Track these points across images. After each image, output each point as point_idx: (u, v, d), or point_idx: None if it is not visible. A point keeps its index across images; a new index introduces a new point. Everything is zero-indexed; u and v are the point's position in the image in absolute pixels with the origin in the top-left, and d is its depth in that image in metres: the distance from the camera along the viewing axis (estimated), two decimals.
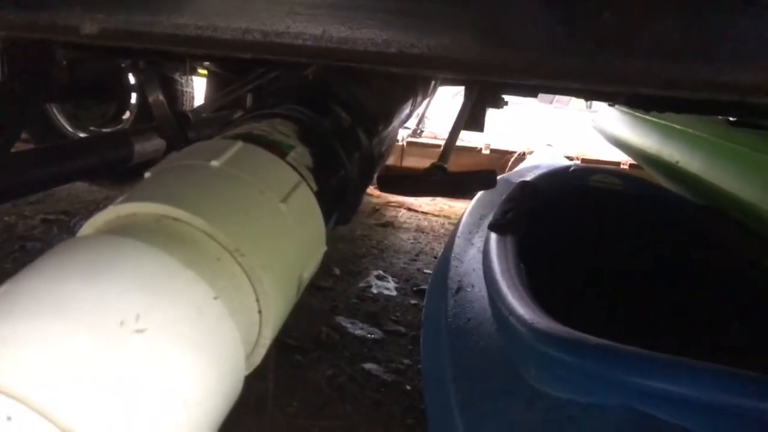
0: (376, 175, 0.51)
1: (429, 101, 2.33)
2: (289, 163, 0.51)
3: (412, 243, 2.30)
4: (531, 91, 1.20)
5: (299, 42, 0.56)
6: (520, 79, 0.53)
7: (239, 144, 0.49)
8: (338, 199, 0.58)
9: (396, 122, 0.87)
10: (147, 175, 0.47)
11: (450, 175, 0.49)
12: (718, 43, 0.45)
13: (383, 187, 0.50)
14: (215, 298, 0.37)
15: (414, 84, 0.98)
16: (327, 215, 0.55)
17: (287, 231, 0.46)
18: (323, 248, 0.52)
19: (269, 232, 0.44)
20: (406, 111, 0.96)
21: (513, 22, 0.52)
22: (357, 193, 0.62)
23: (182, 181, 0.44)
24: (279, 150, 0.52)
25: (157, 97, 0.61)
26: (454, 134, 0.69)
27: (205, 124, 1.60)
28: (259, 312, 0.43)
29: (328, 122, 0.60)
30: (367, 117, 0.68)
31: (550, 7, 0.50)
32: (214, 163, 0.46)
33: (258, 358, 0.44)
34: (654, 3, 0.46)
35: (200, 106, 0.69)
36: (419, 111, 2.84)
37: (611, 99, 1.11)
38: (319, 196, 0.53)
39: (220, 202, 0.43)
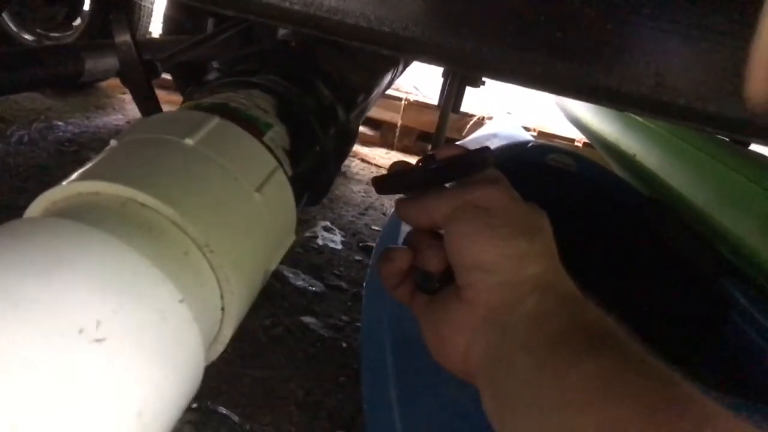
0: (372, 180, 0.49)
1: None
2: (265, 144, 0.48)
3: (362, 196, 2.28)
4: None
5: (286, 5, 0.52)
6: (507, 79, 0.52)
7: (216, 120, 0.45)
8: (312, 182, 0.55)
9: (376, 93, 0.83)
10: (113, 143, 0.43)
11: (442, 161, 0.47)
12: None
13: (380, 191, 0.48)
14: (181, 301, 0.35)
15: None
16: (298, 199, 0.52)
17: (259, 223, 0.44)
18: (292, 238, 0.50)
19: (241, 225, 0.42)
20: (387, 81, 0.92)
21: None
22: (331, 174, 0.59)
23: (153, 160, 0.40)
24: (256, 128, 0.49)
25: (125, 39, 0.56)
26: (443, 119, 0.66)
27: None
28: (222, 309, 0.41)
29: (310, 98, 0.57)
30: (348, 92, 0.65)
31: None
32: (188, 141, 0.42)
33: (215, 355, 0.42)
34: None
35: (168, 55, 0.64)
36: None
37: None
38: (294, 180, 0.50)
39: (192, 189, 0.40)
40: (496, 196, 0.42)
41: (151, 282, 0.34)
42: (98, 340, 0.30)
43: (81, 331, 0.30)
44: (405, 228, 1.32)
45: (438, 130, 0.63)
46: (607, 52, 0.48)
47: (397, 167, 0.49)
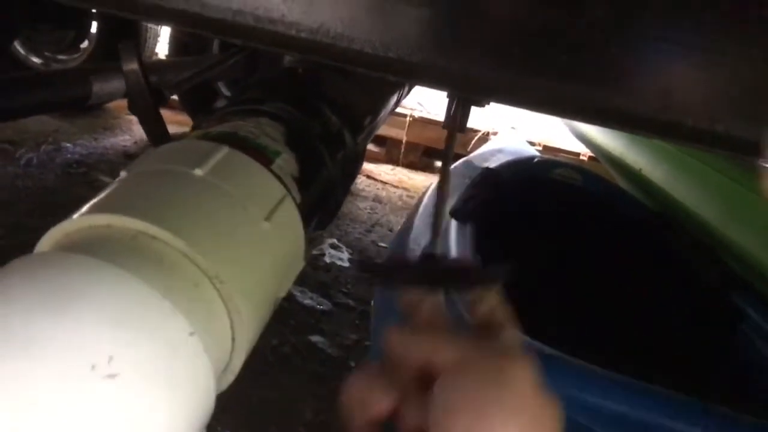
0: (356, 259, 0.46)
1: None
2: (274, 172, 0.49)
3: (368, 213, 2.28)
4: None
5: (293, 32, 0.52)
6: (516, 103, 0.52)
7: (225, 149, 0.46)
8: (320, 208, 0.56)
9: (383, 115, 0.84)
10: (123, 174, 0.44)
11: (446, 265, 0.41)
12: None
13: (363, 272, 0.45)
14: (191, 334, 0.35)
15: None
16: (307, 224, 0.53)
17: (268, 252, 0.44)
18: (301, 266, 0.50)
19: (250, 255, 0.42)
20: (393, 102, 0.93)
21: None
22: (339, 199, 0.60)
23: (163, 192, 0.41)
24: (264, 156, 0.49)
25: (134, 68, 0.57)
26: (451, 140, 0.65)
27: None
28: (233, 339, 0.41)
29: (317, 125, 0.58)
30: (355, 116, 0.66)
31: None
32: (198, 171, 0.43)
33: (226, 384, 0.42)
34: None
35: (176, 83, 0.64)
36: None
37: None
38: (302, 207, 0.51)
39: (202, 220, 0.40)
40: (518, 368, 0.32)
41: (162, 315, 0.34)
42: (111, 376, 0.30)
43: (93, 368, 0.30)
44: (413, 247, 1.31)
45: (446, 149, 0.63)
46: (612, 74, 0.48)
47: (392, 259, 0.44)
